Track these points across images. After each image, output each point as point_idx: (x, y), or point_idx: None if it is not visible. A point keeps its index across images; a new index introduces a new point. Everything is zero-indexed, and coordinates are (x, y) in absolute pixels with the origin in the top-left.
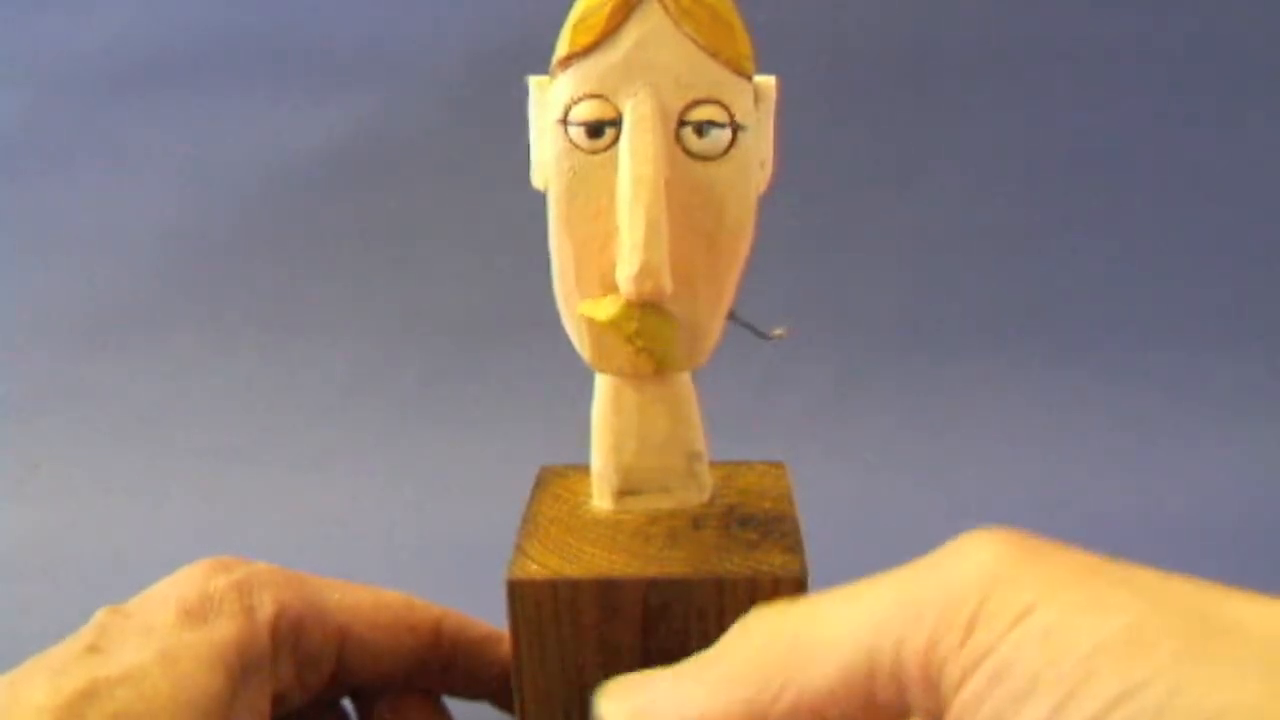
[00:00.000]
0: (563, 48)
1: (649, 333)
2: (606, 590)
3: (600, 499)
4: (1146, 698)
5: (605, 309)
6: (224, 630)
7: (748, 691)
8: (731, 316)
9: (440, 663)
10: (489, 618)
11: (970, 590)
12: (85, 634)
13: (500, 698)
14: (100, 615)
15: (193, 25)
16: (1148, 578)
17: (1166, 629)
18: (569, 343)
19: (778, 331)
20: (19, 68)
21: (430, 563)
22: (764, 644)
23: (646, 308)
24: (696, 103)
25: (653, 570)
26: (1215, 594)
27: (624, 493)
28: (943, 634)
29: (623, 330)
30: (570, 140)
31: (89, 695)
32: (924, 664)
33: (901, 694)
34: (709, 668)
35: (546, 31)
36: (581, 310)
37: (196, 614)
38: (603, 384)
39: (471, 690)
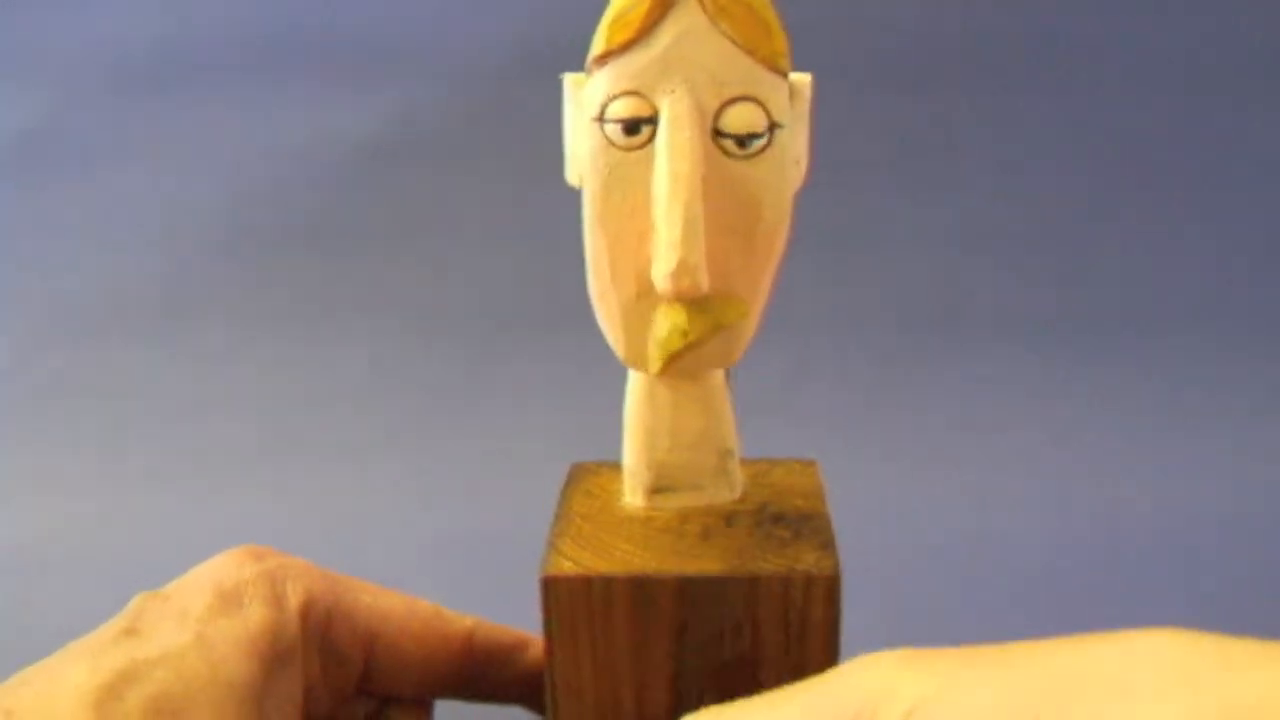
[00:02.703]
0: (599, 45)
1: (699, 325)
2: (640, 587)
3: (632, 496)
4: None
5: (661, 333)
6: (257, 617)
7: None
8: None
9: (471, 672)
10: (519, 613)
11: (865, 703)
12: (123, 618)
13: (532, 701)
14: (137, 600)
15: (224, 20)
16: (1009, 656)
17: (1020, 698)
18: (602, 339)
19: None
20: (52, 62)
21: (462, 558)
22: None
23: (687, 304)
24: (733, 100)
25: (687, 568)
26: (1061, 655)
27: (656, 490)
28: None
29: (682, 337)
30: (606, 137)
31: (128, 676)
32: None
33: None
34: None
35: (582, 28)
36: (652, 361)
37: (231, 600)
38: (636, 380)
39: (502, 696)
